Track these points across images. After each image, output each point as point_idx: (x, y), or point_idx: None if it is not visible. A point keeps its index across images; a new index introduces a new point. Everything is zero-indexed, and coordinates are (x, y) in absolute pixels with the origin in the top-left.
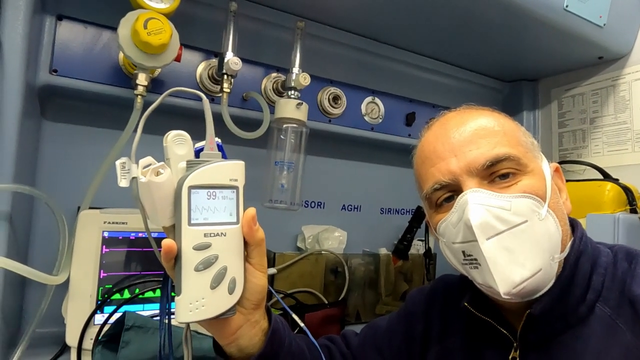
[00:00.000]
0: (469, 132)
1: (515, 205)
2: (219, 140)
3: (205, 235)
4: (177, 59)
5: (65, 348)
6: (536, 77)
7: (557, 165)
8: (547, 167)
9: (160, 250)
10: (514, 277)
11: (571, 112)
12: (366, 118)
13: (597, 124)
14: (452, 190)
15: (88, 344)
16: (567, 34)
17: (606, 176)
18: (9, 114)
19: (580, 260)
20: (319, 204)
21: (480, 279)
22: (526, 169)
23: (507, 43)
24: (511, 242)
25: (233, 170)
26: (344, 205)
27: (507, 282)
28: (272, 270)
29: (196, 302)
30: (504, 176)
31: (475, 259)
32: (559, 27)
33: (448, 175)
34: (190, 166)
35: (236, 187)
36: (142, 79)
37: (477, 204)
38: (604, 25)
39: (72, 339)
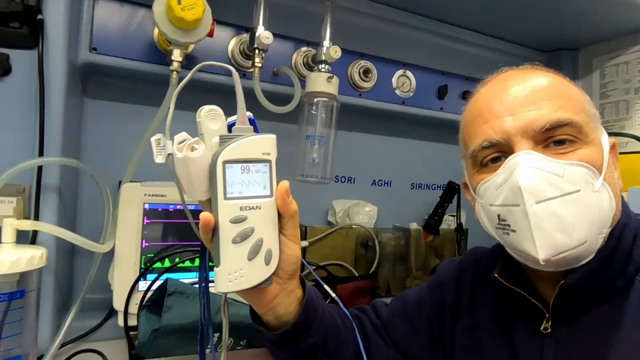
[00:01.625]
0: (530, 91)
1: (569, 173)
2: (251, 115)
3: (241, 208)
4: (210, 34)
5: (112, 312)
6: (576, 46)
7: (614, 141)
8: (606, 141)
9: (197, 223)
10: (558, 244)
11: (614, 82)
12: (397, 92)
13: None
14: (502, 151)
15: (133, 308)
16: None
17: None
18: (55, 92)
19: (623, 233)
20: (350, 179)
21: (514, 245)
22: (586, 139)
23: (545, 10)
24: (561, 210)
25: (265, 144)
26: (374, 180)
27: (549, 249)
28: (304, 243)
29: (235, 273)
30: (560, 142)
31: (509, 225)
32: None
33: (501, 134)
34: (224, 141)
35: (269, 161)
36: (176, 55)
37: (529, 166)
38: None
39: (119, 304)
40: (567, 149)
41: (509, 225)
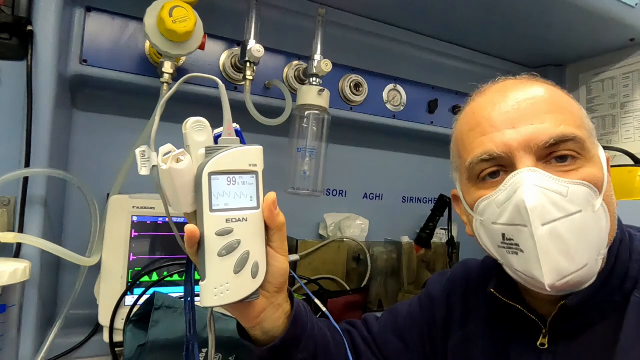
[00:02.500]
0: (532, 104)
1: (572, 192)
2: (237, 126)
3: (227, 221)
4: (202, 47)
5: (98, 328)
6: (563, 63)
7: (609, 156)
8: (603, 156)
9: (182, 236)
10: (562, 269)
11: (600, 97)
12: (388, 106)
13: (628, 108)
14: (501, 165)
15: (119, 323)
16: (597, 15)
17: (637, 162)
18: (43, 103)
19: (620, 250)
20: (341, 192)
21: (520, 266)
22: (588, 155)
23: (532, 27)
24: (565, 232)
25: (252, 155)
26: (365, 194)
27: (554, 274)
28: (295, 257)
29: (221, 287)
30: (562, 159)
31: (517, 244)
32: (588, 9)
33: (502, 148)
34: (209, 152)
35: (256, 172)
36: (167, 67)
37: (534, 185)
38: (636, 5)
39: (104, 319)
40: (569, 166)
41: (517, 245)
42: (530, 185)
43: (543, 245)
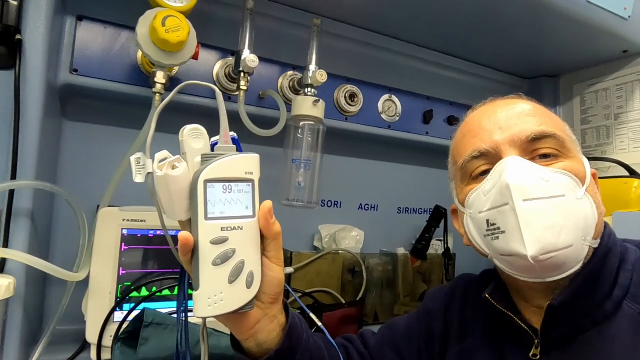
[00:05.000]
0: (518, 111)
1: (554, 179)
2: (235, 134)
3: (222, 229)
4: (195, 57)
5: (85, 345)
6: (557, 73)
7: (595, 171)
8: (587, 164)
9: (177, 248)
10: (546, 242)
11: (594, 108)
12: (383, 116)
13: (622, 119)
14: (491, 162)
15: (108, 340)
16: (590, 27)
17: (632, 173)
18: (31, 113)
19: (608, 257)
20: (336, 203)
21: (502, 248)
22: (569, 154)
23: (526, 38)
24: (548, 210)
25: (248, 163)
26: (361, 205)
27: (538, 245)
28: (290, 270)
29: (214, 297)
30: (546, 156)
31: (498, 227)
32: (582, 20)
33: (490, 144)
34: (205, 160)
35: (252, 181)
36: (160, 77)
37: (517, 166)
38: (629, 17)
39: (92, 336)
40: (551, 161)
41: (498, 228)
42: (513, 166)
43: (525, 218)
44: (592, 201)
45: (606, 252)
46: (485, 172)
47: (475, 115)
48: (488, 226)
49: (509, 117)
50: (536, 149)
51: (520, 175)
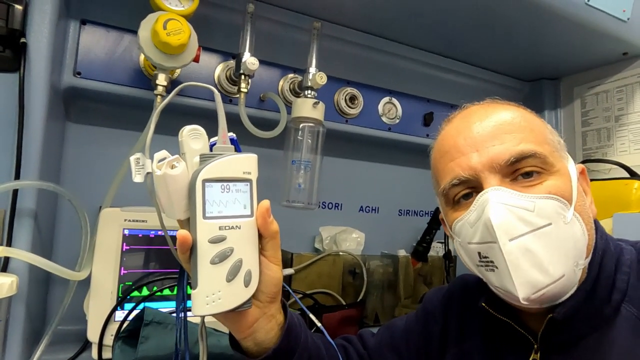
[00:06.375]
0: (493, 127)
1: (539, 207)
2: (233, 135)
3: (220, 228)
4: (196, 59)
5: (87, 344)
6: (557, 76)
7: (583, 167)
8: (573, 169)
9: (175, 247)
10: (535, 282)
11: (595, 111)
12: (383, 118)
13: (622, 121)
14: (472, 187)
15: (109, 340)
16: (590, 29)
17: (633, 174)
18: (35, 115)
19: (604, 260)
20: (337, 205)
21: (496, 282)
22: (552, 169)
23: (527, 41)
24: (534, 245)
25: (246, 163)
26: (361, 207)
27: (528, 288)
28: (290, 271)
29: (212, 295)
30: (528, 175)
31: (492, 262)
32: (581, 23)
33: (468, 171)
34: (204, 160)
35: (249, 180)
36: (161, 79)
37: (499, 203)
38: (628, 19)
39: (93, 335)
40: (534, 181)
41: (492, 262)
42: (495, 203)
43: (512, 259)
44: (581, 221)
45: (602, 256)
46: (468, 196)
47: (450, 132)
48: (480, 258)
49: (484, 135)
50: (517, 169)
51: (502, 212)
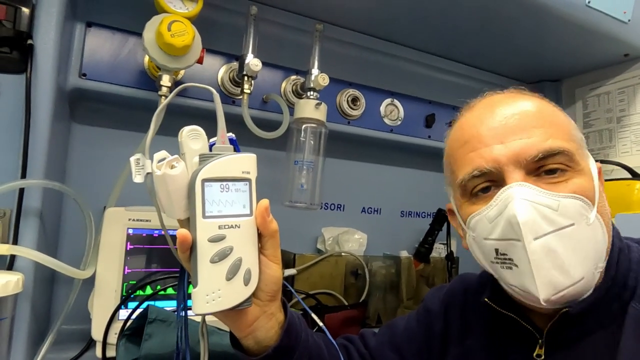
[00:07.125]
0: (519, 118)
1: (563, 206)
2: (232, 135)
3: (219, 227)
4: (200, 61)
5: (91, 343)
6: (559, 78)
7: (600, 166)
8: (594, 167)
9: (175, 247)
10: (556, 283)
11: (597, 112)
12: (385, 120)
13: (624, 122)
14: (492, 180)
15: (113, 338)
16: (591, 31)
17: (635, 175)
18: (41, 116)
19: (620, 259)
20: (339, 206)
21: (513, 280)
22: (577, 167)
23: (528, 43)
24: (557, 245)
25: (245, 162)
26: (363, 208)
27: (549, 288)
28: (292, 271)
29: (212, 294)
30: (552, 172)
31: (511, 259)
32: (582, 25)
33: (491, 163)
34: (203, 159)
35: (249, 180)
36: (166, 80)
37: (524, 200)
38: (629, 21)
39: (97, 333)
40: (558, 178)
41: (511, 260)
42: (520, 199)
43: (536, 259)
44: (602, 222)
45: (618, 256)
46: (487, 189)
47: (472, 120)
48: (497, 255)
49: (511, 125)
50: (542, 165)
51: (529, 209)
